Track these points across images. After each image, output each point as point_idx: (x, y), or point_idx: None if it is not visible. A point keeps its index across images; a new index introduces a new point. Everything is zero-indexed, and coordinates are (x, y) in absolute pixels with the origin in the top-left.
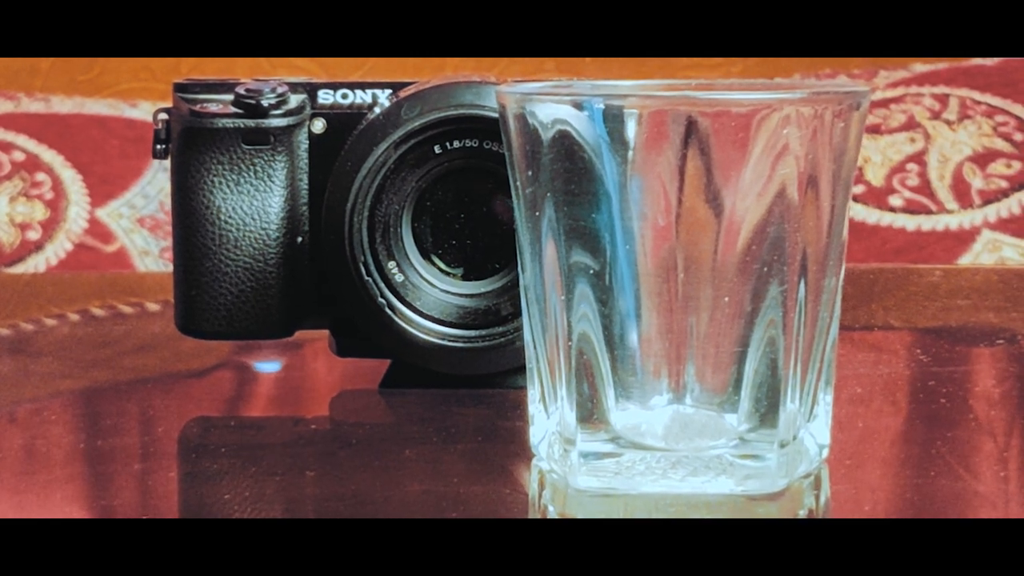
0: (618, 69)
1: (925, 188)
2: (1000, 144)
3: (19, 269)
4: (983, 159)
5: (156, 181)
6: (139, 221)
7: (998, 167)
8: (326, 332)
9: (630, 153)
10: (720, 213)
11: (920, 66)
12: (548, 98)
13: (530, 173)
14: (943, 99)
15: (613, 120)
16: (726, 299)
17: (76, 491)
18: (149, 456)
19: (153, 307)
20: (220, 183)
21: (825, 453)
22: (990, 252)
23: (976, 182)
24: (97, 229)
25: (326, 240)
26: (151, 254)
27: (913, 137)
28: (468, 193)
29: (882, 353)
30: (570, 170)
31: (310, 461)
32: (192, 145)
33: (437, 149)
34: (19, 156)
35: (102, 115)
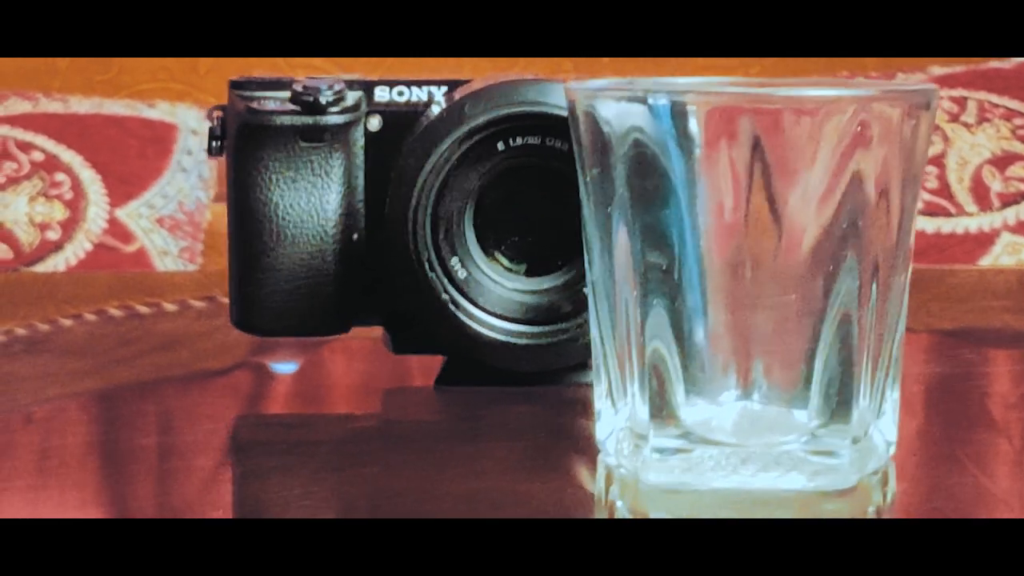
0: (634, 69)
1: (944, 191)
2: (1019, 147)
3: (39, 269)
4: (1002, 162)
5: (175, 181)
6: (158, 221)
7: (1017, 170)
8: (372, 329)
9: (697, 150)
10: (788, 211)
11: (938, 69)
12: (615, 94)
13: (599, 169)
14: (961, 102)
15: (680, 117)
16: (793, 296)
17: (139, 490)
18: (204, 453)
19: (170, 307)
20: (277, 180)
21: (892, 450)
22: (1010, 255)
23: (995, 185)
24: (117, 229)
25: (389, 237)
26: (170, 254)
27: (931, 140)
28: (530, 190)
29: (922, 352)
30: (638, 166)
31: (368, 458)
32: (249, 142)
33: (500, 146)
34: (38, 156)
35: (120, 115)
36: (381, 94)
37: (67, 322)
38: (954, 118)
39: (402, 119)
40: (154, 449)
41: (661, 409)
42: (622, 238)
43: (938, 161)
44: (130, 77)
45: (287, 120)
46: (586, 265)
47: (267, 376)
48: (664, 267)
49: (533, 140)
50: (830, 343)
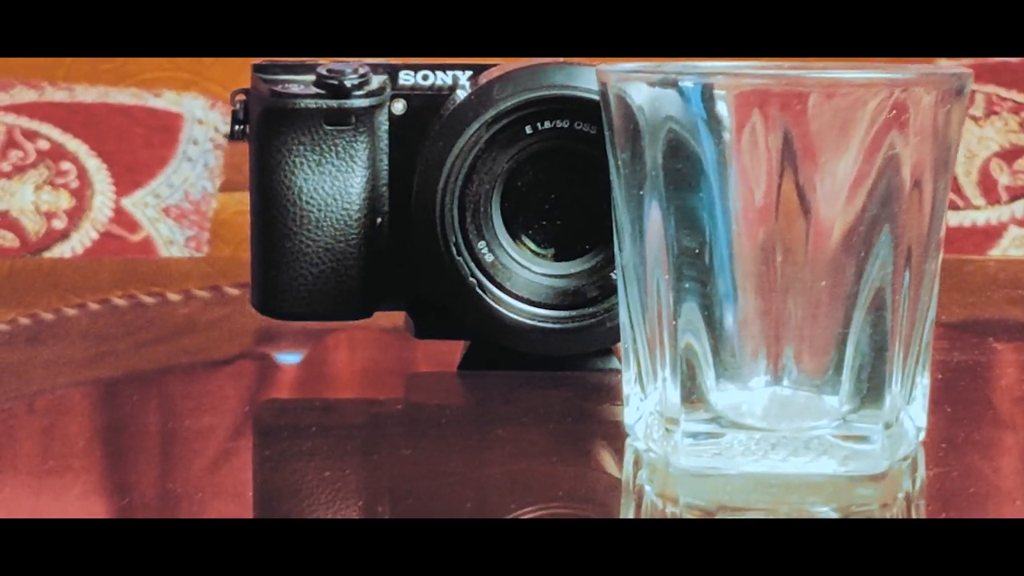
0: None
1: (952, 184)
2: None
3: (45, 257)
4: (1010, 155)
5: (181, 170)
6: (164, 210)
7: None
8: (393, 316)
9: (727, 134)
10: (819, 196)
11: (945, 62)
12: (646, 77)
13: (630, 153)
14: (969, 95)
15: (710, 101)
16: (823, 283)
17: (145, 479)
18: (236, 436)
19: (175, 296)
20: (302, 163)
21: (922, 436)
22: (1017, 247)
23: (1003, 178)
24: (123, 218)
25: (416, 219)
26: (176, 243)
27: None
28: (558, 174)
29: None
30: (670, 150)
31: (401, 441)
32: (273, 125)
33: (528, 129)
34: (44, 145)
35: (126, 104)
36: (406, 78)
37: (71, 311)
38: None
39: (427, 103)
40: (171, 434)
41: (691, 393)
42: (654, 221)
43: None
44: (136, 66)
45: (312, 103)
46: (616, 249)
47: (275, 365)
48: (695, 251)
49: (561, 124)
50: (862, 328)
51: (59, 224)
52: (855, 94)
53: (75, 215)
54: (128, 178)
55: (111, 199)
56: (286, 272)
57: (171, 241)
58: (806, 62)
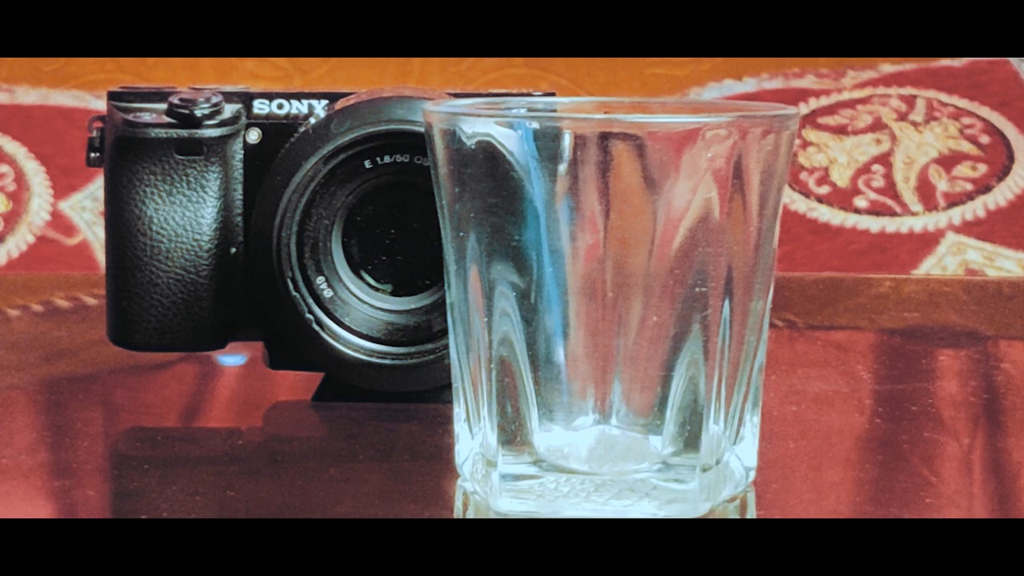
0: (586, 68)
1: (890, 190)
2: (966, 146)
3: None
4: (949, 161)
5: None
6: (102, 214)
7: (963, 169)
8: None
9: (559, 173)
10: (648, 234)
11: (888, 66)
12: (476, 116)
13: (456, 190)
14: (910, 100)
15: (542, 139)
16: (654, 319)
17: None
18: (72, 472)
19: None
20: (152, 193)
21: (752, 476)
22: (954, 255)
23: (941, 184)
24: (59, 222)
25: (254, 254)
26: None
27: (879, 138)
28: (398, 209)
29: (818, 368)
30: (497, 188)
31: (233, 480)
32: (125, 155)
33: (367, 164)
34: None
35: (67, 106)
36: (260, 107)
37: (14, 312)
38: (902, 116)
39: (282, 132)
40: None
41: (515, 436)
42: (475, 261)
43: (885, 160)
44: (78, 68)
45: (163, 133)
46: (445, 287)
47: (217, 367)
48: (521, 289)
49: (402, 158)
50: (683, 368)
51: None
52: (677, 136)
53: (11, 218)
54: (65, 181)
55: (48, 202)
56: (138, 303)
57: None
58: (639, 99)
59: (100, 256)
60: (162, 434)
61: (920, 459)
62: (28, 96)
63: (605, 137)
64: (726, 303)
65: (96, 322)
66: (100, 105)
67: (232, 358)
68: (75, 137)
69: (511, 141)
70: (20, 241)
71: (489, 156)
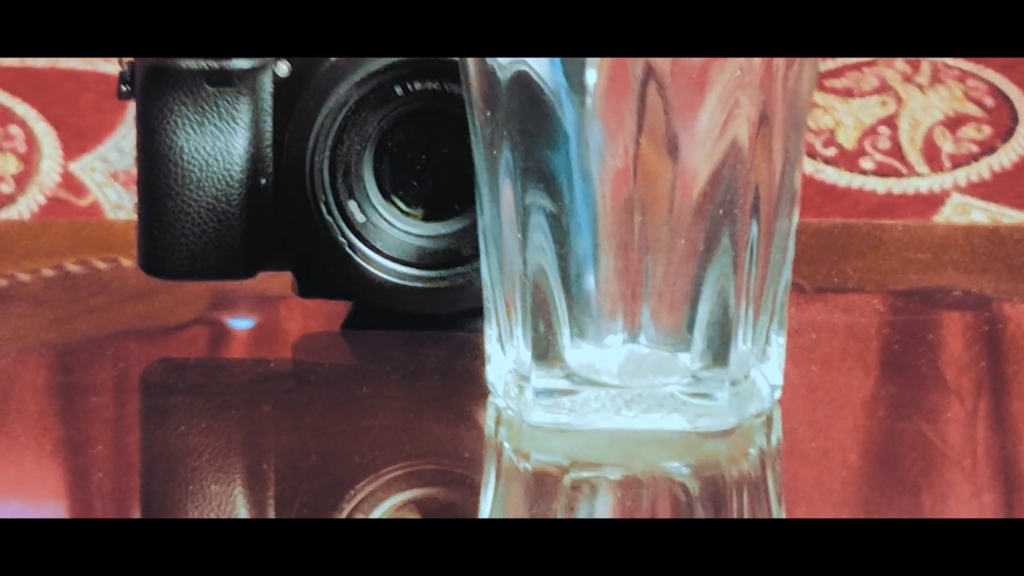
0: None
1: (896, 151)
2: (971, 108)
3: None
4: (954, 123)
5: (130, 136)
6: (112, 176)
7: (968, 131)
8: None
9: (588, 99)
10: (677, 157)
11: None
12: None
13: (488, 114)
14: (915, 63)
15: (572, 65)
16: (682, 241)
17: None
18: (113, 391)
19: (127, 263)
20: (184, 124)
21: (778, 394)
22: (960, 215)
23: (947, 146)
24: (70, 183)
25: (287, 179)
26: (125, 208)
27: (885, 100)
28: (429, 135)
29: (843, 309)
30: (529, 111)
31: (267, 397)
32: (156, 86)
33: (398, 90)
34: None
35: (76, 69)
36: None
37: (25, 276)
38: (907, 79)
39: (310, 66)
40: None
41: (547, 352)
42: (508, 182)
43: (891, 121)
44: None
45: (193, 64)
46: (478, 210)
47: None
48: (552, 212)
49: (432, 85)
50: (712, 287)
51: (6, 189)
52: (709, 64)
53: (22, 180)
54: (76, 143)
55: (59, 164)
56: (169, 232)
57: (119, 206)
58: None
59: (111, 217)
60: (191, 363)
61: (954, 391)
62: (38, 59)
63: (635, 64)
64: (753, 222)
65: (108, 283)
66: (109, 68)
67: (241, 321)
68: (85, 99)
69: (542, 65)
70: (31, 202)
71: (523, 84)
